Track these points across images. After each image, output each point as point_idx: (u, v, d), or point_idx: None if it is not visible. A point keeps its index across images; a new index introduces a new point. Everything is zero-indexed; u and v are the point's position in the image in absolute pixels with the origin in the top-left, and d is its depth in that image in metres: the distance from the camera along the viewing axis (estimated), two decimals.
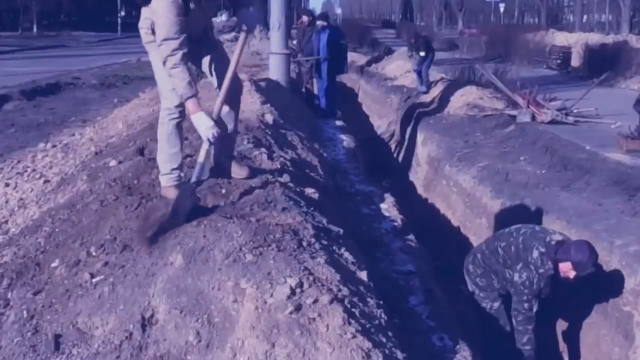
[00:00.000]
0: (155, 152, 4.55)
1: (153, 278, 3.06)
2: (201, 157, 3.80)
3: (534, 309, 4.84)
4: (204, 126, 3.69)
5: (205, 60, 4.09)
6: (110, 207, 3.91)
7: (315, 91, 11.99)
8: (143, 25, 3.95)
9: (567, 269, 4.72)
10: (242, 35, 3.96)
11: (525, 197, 7.14)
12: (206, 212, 3.62)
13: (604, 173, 7.14)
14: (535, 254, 4.81)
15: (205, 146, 3.78)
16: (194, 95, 3.69)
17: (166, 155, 4.02)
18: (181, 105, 3.88)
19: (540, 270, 4.77)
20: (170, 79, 3.72)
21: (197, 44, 3.95)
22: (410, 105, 14.09)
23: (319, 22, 11.19)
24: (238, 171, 4.23)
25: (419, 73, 14.88)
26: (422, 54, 14.59)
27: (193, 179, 3.77)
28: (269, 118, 6.30)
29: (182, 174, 4.07)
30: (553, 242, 4.81)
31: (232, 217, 3.54)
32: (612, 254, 5.41)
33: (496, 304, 5.23)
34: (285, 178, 4.43)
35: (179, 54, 3.63)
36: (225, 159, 4.22)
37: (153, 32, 3.79)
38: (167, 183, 4.01)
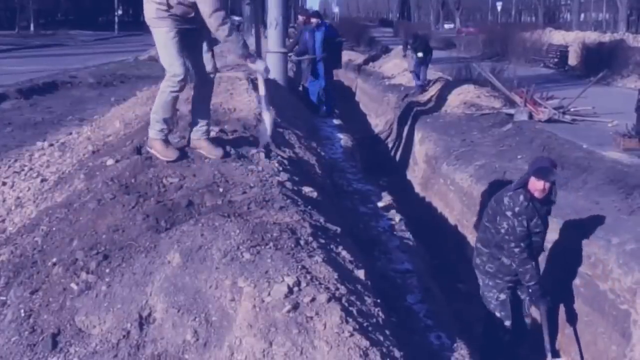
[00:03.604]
0: None
1: (150, 277, 3.06)
2: (262, 90, 4.95)
3: (526, 251, 4.98)
4: (262, 67, 4.71)
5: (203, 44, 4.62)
6: (108, 206, 3.90)
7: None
8: (153, 0, 4.29)
9: (534, 183, 4.93)
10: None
11: None
12: None
13: (601, 171, 7.15)
14: (505, 199, 5.02)
15: (262, 83, 4.93)
16: (249, 53, 4.56)
17: (159, 117, 4.56)
18: (183, 80, 4.42)
19: (516, 209, 4.94)
20: (228, 45, 4.56)
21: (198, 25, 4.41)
22: (407, 103, 14.10)
23: (313, 20, 11.14)
24: (212, 151, 4.62)
25: (416, 74, 14.85)
26: (420, 55, 14.55)
27: (264, 110, 5.00)
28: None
29: (168, 132, 4.68)
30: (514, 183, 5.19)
31: (229, 215, 3.54)
32: (609, 252, 5.42)
33: (502, 296, 5.21)
34: (283, 177, 4.43)
35: (229, 22, 4.28)
36: (198, 133, 4.73)
37: (168, 6, 4.26)
38: (155, 136, 4.58)
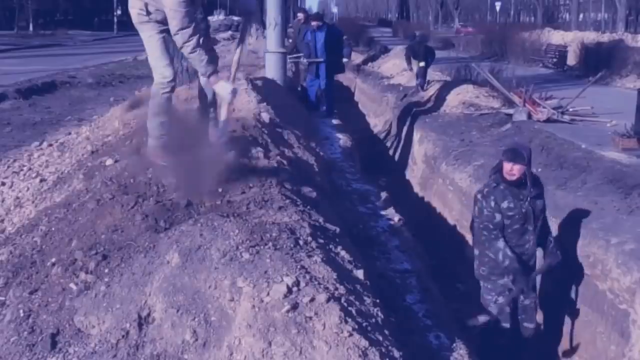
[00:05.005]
0: None
1: (150, 277, 3.06)
2: (223, 115, 4.40)
3: (494, 232, 4.98)
4: (226, 91, 4.28)
5: None
6: (107, 206, 3.90)
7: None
8: (135, 6, 4.34)
9: (504, 166, 4.99)
10: (244, 20, 4.65)
11: None
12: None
13: (600, 171, 7.15)
14: (479, 187, 5.21)
15: (225, 107, 4.38)
16: (213, 71, 4.26)
17: (156, 123, 4.52)
18: (172, 80, 4.39)
19: (485, 190, 5.04)
20: (190, 62, 4.33)
21: None
22: (406, 103, 14.09)
23: (313, 23, 11.13)
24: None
25: (422, 79, 14.95)
26: (421, 64, 14.63)
27: (222, 137, 4.33)
28: (265, 117, 6.29)
29: (167, 138, 4.57)
30: None
31: (228, 215, 3.54)
32: (608, 252, 5.42)
33: (501, 299, 5.16)
34: (282, 177, 4.43)
35: (194, 39, 4.13)
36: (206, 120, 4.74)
37: (147, 13, 4.27)
38: (154, 143, 4.52)
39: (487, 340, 5.25)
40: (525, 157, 4.97)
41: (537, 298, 5.39)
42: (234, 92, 4.33)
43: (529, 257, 5.16)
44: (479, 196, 5.06)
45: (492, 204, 4.96)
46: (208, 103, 4.73)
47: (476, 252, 5.24)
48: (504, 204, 4.97)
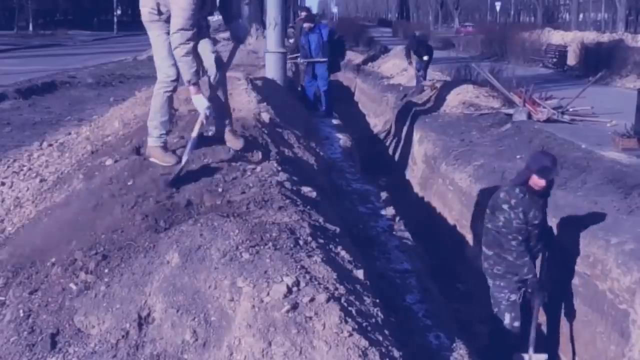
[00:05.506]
0: None
1: (149, 277, 3.06)
2: (195, 132, 4.38)
3: (523, 244, 5.04)
4: (202, 106, 4.37)
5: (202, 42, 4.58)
6: (107, 206, 3.90)
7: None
8: (146, 5, 4.40)
9: (535, 181, 5.02)
10: (233, 46, 4.91)
11: None
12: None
13: (600, 171, 7.15)
14: (502, 194, 5.13)
15: (199, 124, 4.41)
16: (197, 81, 4.34)
17: (157, 122, 4.56)
18: (176, 80, 4.46)
19: (513, 202, 5.03)
20: (179, 64, 4.32)
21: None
22: (406, 103, 14.10)
23: (305, 25, 11.14)
24: (234, 142, 4.71)
25: (422, 75, 15.07)
26: (425, 58, 14.78)
27: (185, 154, 4.30)
28: (265, 117, 6.29)
29: (167, 138, 4.67)
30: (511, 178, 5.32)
31: (228, 215, 3.54)
32: (608, 252, 5.42)
33: (513, 296, 5.22)
34: (282, 177, 4.44)
35: (191, 44, 4.23)
36: (222, 126, 4.82)
37: (159, 12, 4.34)
38: (154, 143, 4.56)
39: (496, 338, 5.26)
40: (558, 171, 5.05)
41: None
42: (209, 109, 4.42)
43: (541, 254, 5.36)
44: (505, 207, 5.05)
45: (521, 215, 5.01)
46: (221, 104, 4.76)
47: (490, 252, 5.26)
48: (531, 214, 5.06)
